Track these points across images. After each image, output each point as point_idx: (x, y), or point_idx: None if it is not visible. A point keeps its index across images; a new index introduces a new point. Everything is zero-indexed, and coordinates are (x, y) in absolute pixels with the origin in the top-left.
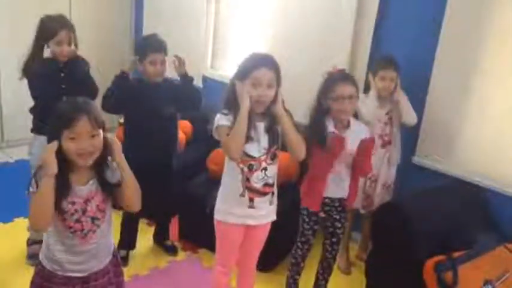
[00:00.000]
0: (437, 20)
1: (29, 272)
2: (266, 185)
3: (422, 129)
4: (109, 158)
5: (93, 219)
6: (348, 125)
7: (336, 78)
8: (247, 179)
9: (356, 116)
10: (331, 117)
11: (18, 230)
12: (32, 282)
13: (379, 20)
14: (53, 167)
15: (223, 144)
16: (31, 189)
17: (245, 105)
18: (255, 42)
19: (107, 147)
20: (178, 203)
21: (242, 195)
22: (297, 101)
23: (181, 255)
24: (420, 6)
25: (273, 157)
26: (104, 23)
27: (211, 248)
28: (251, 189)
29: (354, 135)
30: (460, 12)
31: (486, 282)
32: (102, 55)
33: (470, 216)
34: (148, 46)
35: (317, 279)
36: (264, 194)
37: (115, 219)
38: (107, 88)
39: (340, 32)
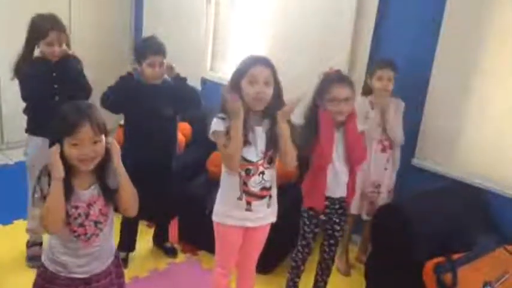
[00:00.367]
0: (437, 20)
1: (29, 274)
2: (263, 188)
3: (422, 130)
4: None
5: (96, 223)
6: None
7: (332, 80)
8: (245, 183)
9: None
10: None
11: (18, 231)
12: (34, 284)
13: (379, 20)
14: (60, 171)
15: (222, 157)
16: (36, 195)
17: (237, 124)
18: (255, 43)
19: (108, 151)
20: (177, 205)
21: (240, 198)
22: None
23: (181, 257)
24: (420, 6)
25: (270, 161)
26: (104, 23)
27: (211, 249)
28: (248, 193)
29: None
30: (460, 12)
31: (486, 284)
32: (102, 55)
33: (470, 218)
34: (148, 48)
35: (316, 281)
36: (262, 197)
37: (115, 221)
38: (108, 87)
39: (340, 32)
